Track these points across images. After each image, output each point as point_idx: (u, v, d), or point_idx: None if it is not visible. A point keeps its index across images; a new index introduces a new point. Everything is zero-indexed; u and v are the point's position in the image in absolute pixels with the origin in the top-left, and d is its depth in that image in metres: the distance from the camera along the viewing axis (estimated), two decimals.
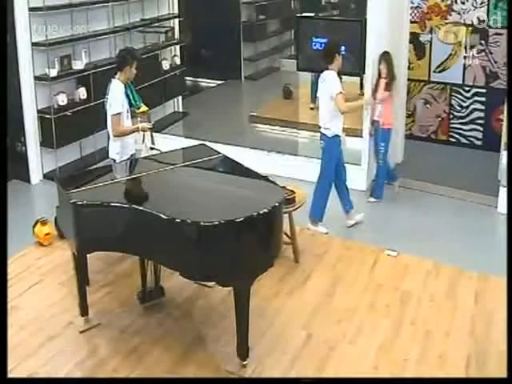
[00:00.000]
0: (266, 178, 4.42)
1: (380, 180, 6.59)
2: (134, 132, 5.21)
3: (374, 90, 6.45)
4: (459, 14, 7.81)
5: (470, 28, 7.70)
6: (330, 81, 5.55)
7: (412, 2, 7.84)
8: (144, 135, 5.35)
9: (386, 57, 6.35)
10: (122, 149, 5.21)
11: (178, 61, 9.04)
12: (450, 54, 7.98)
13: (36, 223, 5.63)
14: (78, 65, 7.30)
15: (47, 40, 6.85)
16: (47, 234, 5.61)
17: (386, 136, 6.48)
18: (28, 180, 7.05)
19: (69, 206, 4.07)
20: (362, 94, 7.06)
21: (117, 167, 5.12)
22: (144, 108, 5.39)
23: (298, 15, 9.05)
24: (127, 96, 5.17)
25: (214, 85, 11.08)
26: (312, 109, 7.71)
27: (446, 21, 7.88)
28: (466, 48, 7.75)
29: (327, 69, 5.62)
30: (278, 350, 4.22)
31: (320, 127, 5.81)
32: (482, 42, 7.71)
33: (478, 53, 7.71)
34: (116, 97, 5.02)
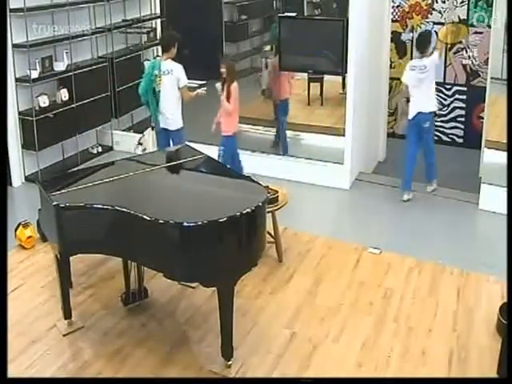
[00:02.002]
0: (248, 178, 4.43)
1: None
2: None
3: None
4: (440, 12, 7.88)
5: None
6: (433, 68, 6.40)
7: (393, 1, 7.89)
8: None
9: (226, 61, 6.38)
10: (181, 119, 6.18)
11: None
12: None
13: (18, 226, 5.59)
14: (59, 66, 7.26)
15: (28, 41, 6.80)
16: (29, 237, 5.58)
17: (224, 142, 6.34)
18: (10, 183, 6.99)
19: (51, 209, 4.05)
20: (344, 94, 7.09)
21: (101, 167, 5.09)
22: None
23: (280, 15, 9.06)
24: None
25: (196, 85, 11.04)
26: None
27: (427, 20, 7.96)
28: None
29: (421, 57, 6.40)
30: (262, 350, 4.23)
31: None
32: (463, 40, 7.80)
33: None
34: (182, 70, 6.00)
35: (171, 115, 6.10)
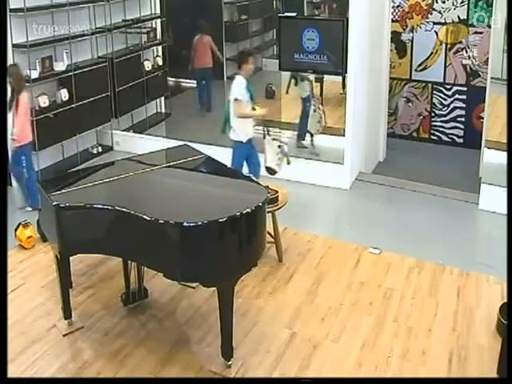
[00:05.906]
0: (249, 178, 4.43)
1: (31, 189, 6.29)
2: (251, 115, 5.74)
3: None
4: (440, 12, 7.88)
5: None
6: None
7: (393, 1, 7.89)
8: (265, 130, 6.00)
9: (13, 70, 6.08)
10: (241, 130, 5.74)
11: (160, 61, 9.03)
12: (431, 53, 8.04)
13: (18, 226, 5.59)
14: (59, 66, 7.26)
15: (28, 41, 6.80)
16: (29, 237, 5.58)
17: (28, 151, 6.33)
18: (10, 183, 6.97)
19: (51, 209, 4.05)
20: (345, 94, 7.08)
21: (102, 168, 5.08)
22: (258, 110, 5.75)
23: (281, 15, 9.06)
24: (249, 90, 5.69)
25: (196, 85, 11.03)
26: None
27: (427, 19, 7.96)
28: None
29: None
30: (262, 349, 4.23)
31: None
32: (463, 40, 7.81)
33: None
34: (236, 87, 5.67)
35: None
